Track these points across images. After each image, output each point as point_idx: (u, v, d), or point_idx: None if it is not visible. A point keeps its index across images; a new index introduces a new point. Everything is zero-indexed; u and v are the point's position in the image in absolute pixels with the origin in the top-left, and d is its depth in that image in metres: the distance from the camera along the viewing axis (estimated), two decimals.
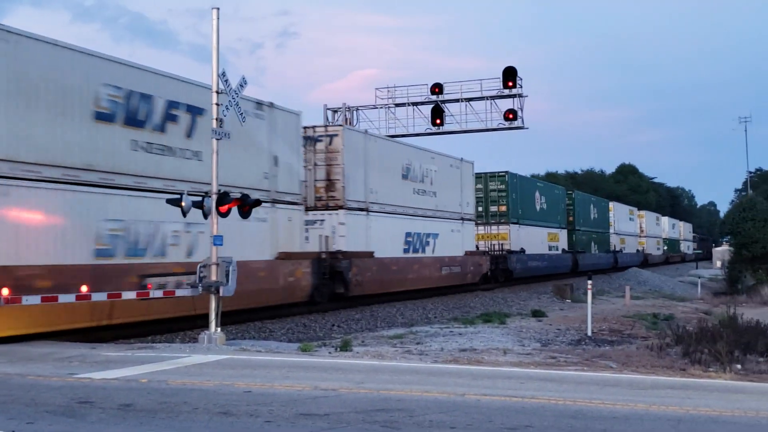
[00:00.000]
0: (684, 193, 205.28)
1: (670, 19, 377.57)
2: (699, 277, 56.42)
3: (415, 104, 44.54)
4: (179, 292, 18.92)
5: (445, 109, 43.81)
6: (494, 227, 51.03)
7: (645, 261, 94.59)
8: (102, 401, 10.72)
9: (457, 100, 43.73)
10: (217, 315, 18.09)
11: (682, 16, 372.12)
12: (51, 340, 17.85)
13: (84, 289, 17.26)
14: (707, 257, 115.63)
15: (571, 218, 66.17)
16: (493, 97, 43.08)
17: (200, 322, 19.95)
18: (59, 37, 19.01)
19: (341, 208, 31.39)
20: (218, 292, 18.15)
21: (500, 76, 42.42)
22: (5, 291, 15.95)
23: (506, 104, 42.92)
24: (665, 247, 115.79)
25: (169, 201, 18.71)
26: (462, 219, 43.71)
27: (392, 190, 35.67)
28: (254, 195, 23.15)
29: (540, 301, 37.80)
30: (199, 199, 18.50)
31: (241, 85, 18.97)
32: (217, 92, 18.46)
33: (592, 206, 73.76)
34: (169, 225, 21.33)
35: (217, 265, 18.21)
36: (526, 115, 43.57)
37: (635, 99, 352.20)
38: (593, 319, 23.41)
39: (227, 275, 18.20)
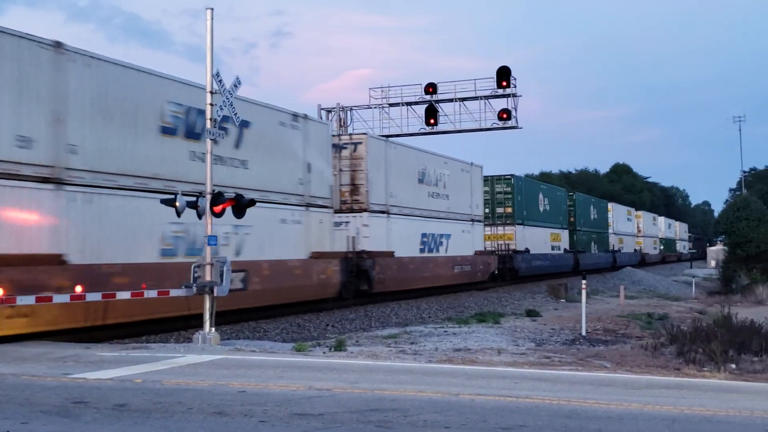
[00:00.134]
0: (678, 193, 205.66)
1: (664, 19, 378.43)
2: (693, 277, 56.53)
3: (409, 104, 44.54)
4: (174, 293, 18.88)
5: (439, 109, 43.84)
6: (500, 228, 53.11)
7: (642, 260, 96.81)
8: (96, 401, 10.70)
9: (451, 100, 43.75)
10: (211, 315, 18.07)
11: (676, 16, 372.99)
12: (45, 340, 17.82)
13: (79, 289, 17.27)
14: (702, 257, 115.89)
15: (572, 219, 68.14)
16: (487, 97, 43.10)
17: (195, 322, 19.96)
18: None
19: (365, 210, 33.72)
20: (212, 292, 18.14)
21: (494, 75, 42.45)
22: None
23: (500, 104, 43.00)
24: (662, 247, 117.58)
25: (163, 201, 18.77)
26: (472, 220, 45.95)
27: (409, 193, 37.98)
28: (291, 200, 28.08)
29: (534, 300, 37.83)
30: (194, 199, 18.51)
31: (236, 86, 18.94)
32: (212, 92, 18.42)
33: (591, 207, 75.71)
34: (221, 227, 22.51)
35: (212, 265, 18.20)
36: (520, 115, 44.02)
37: (629, 98, 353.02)
38: (588, 319, 23.43)
39: (221, 275, 18.19)
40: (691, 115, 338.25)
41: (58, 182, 18.97)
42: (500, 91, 42.48)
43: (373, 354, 17.03)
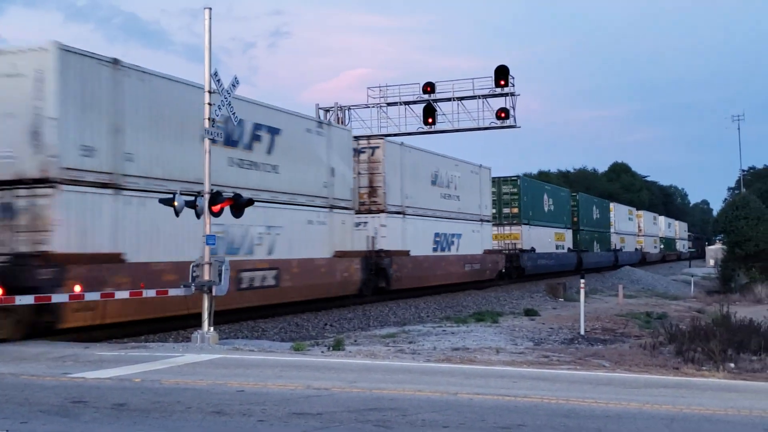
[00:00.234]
0: (677, 192, 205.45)
1: (663, 18, 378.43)
2: (692, 276, 56.54)
3: (407, 103, 44.50)
4: (172, 292, 18.95)
5: (437, 108, 43.78)
6: (507, 228, 54.74)
7: (643, 259, 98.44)
8: (95, 401, 10.71)
9: (449, 99, 43.70)
10: (210, 314, 18.08)
11: (675, 15, 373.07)
12: (44, 340, 17.83)
13: (77, 288, 17.35)
14: (700, 256, 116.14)
15: (575, 219, 69.60)
16: (485, 96, 43.08)
17: (193, 321, 20.02)
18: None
19: (382, 211, 35.47)
20: (211, 291, 18.15)
21: (492, 75, 42.42)
22: None
23: (498, 103, 42.97)
24: (662, 246, 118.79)
25: (161, 201, 18.85)
26: (481, 220, 47.66)
27: (423, 195, 39.67)
28: (316, 202, 29.91)
29: (533, 299, 37.83)
30: (192, 198, 18.52)
31: (233, 85, 18.94)
32: (210, 92, 18.43)
33: (594, 207, 77.45)
34: (255, 228, 25.62)
35: (210, 264, 18.21)
36: (518, 114, 44.18)
37: (628, 97, 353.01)
38: (586, 318, 23.42)
39: (220, 275, 18.20)
40: (690, 113, 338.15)
41: (117, 187, 20.69)
42: (498, 91, 42.45)
43: (371, 353, 17.03)
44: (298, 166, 28.73)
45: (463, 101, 43.43)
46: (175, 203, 18.15)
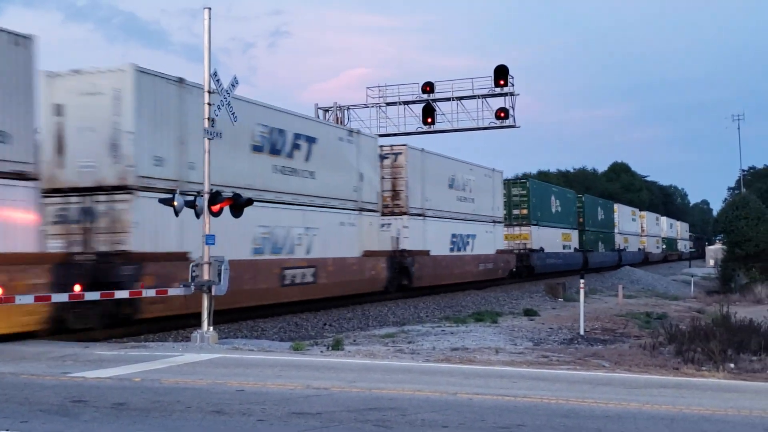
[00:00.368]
0: (677, 192, 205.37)
1: (662, 17, 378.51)
2: (692, 276, 56.50)
3: (406, 103, 44.51)
4: (172, 292, 19.00)
5: (437, 108, 43.78)
6: (516, 228, 56.68)
7: (646, 259, 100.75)
8: (95, 400, 10.71)
9: (448, 99, 43.70)
10: (209, 314, 18.08)
11: (674, 14, 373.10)
12: (44, 339, 17.82)
13: (77, 289, 17.33)
14: (700, 256, 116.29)
15: (581, 219, 71.83)
16: (484, 96, 43.08)
17: (193, 321, 20.07)
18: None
19: (405, 214, 37.70)
20: (210, 291, 18.15)
21: (492, 74, 42.45)
22: None
23: (498, 103, 43.01)
24: (664, 246, 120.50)
25: (161, 201, 18.94)
26: (494, 221, 49.78)
27: (441, 197, 41.87)
28: (347, 205, 32.19)
29: (532, 300, 37.80)
30: (192, 198, 18.53)
31: (233, 85, 18.94)
32: (209, 92, 18.44)
33: (599, 208, 79.73)
34: (296, 229, 28.20)
35: (209, 264, 18.20)
36: (518, 114, 44.14)
37: (628, 97, 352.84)
38: (586, 318, 23.42)
39: (219, 274, 18.20)
40: (690, 113, 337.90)
41: (182, 193, 21.42)
42: (498, 90, 42.47)
43: (370, 353, 17.03)
44: (332, 172, 31.10)
45: (462, 101, 43.44)
46: (175, 203, 18.17)
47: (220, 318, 23.95)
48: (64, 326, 19.24)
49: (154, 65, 22.27)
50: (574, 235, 68.84)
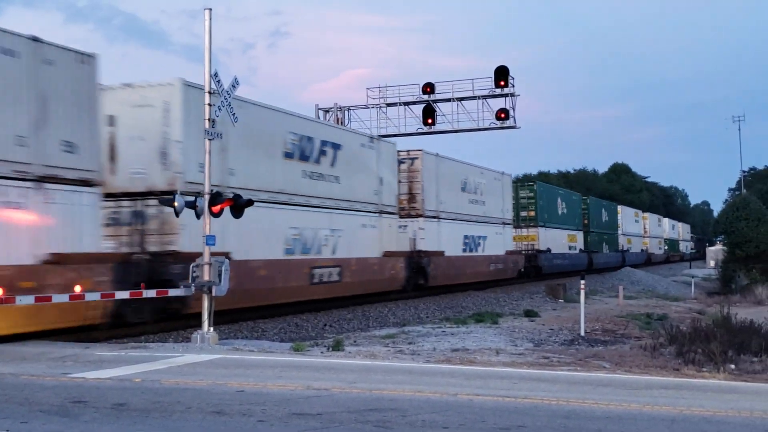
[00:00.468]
0: (677, 193, 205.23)
1: (662, 17, 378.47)
2: (692, 277, 56.47)
3: (406, 104, 44.47)
4: (172, 293, 19.03)
5: (437, 109, 43.76)
6: (524, 230, 57.90)
7: (648, 260, 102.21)
8: (95, 401, 10.71)
9: (448, 100, 43.66)
10: (209, 314, 18.07)
11: (675, 14, 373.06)
12: (44, 340, 17.82)
13: (78, 289, 17.41)
14: (701, 257, 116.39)
15: (586, 221, 73.21)
16: (485, 97, 43.04)
17: (193, 321, 20.08)
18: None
19: (421, 216, 39.14)
20: (211, 291, 18.14)
21: (492, 75, 42.39)
22: None
23: (498, 103, 42.96)
24: (666, 247, 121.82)
25: (161, 201, 18.99)
26: (503, 223, 51.06)
27: (454, 200, 43.19)
28: (368, 208, 33.79)
29: (532, 301, 37.79)
30: (192, 199, 18.54)
31: (233, 86, 18.92)
32: (210, 93, 18.43)
33: (603, 210, 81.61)
34: (323, 231, 29.90)
35: (210, 264, 18.19)
36: (518, 115, 44.21)
37: (628, 97, 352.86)
38: (586, 319, 23.41)
39: (220, 275, 18.20)
40: (690, 114, 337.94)
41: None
42: (498, 91, 42.42)
43: (371, 354, 17.03)
44: (355, 176, 32.72)
45: (462, 102, 43.41)
46: (176, 203, 18.19)
47: (254, 314, 26.53)
48: (123, 320, 20.76)
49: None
50: (580, 236, 70.14)
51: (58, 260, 18.32)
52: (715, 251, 75.88)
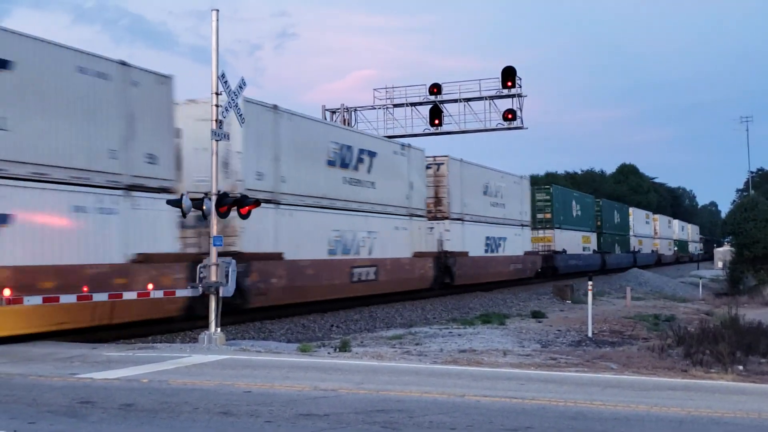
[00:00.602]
0: (685, 193, 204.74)
1: (670, 18, 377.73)
2: (700, 278, 56.34)
3: (413, 105, 44.42)
4: (180, 293, 19.09)
5: (444, 110, 43.71)
6: (540, 231, 59.64)
7: (658, 260, 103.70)
8: (103, 401, 10.72)
9: (455, 101, 43.60)
10: (217, 315, 18.08)
11: (683, 14, 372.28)
12: (52, 341, 17.86)
13: (85, 289, 17.51)
14: (710, 258, 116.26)
15: (599, 223, 75.32)
16: (492, 97, 42.94)
17: (200, 322, 20.10)
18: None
19: (446, 218, 41.02)
20: (218, 292, 18.14)
21: (499, 76, 42.25)
22: (6, 292, 16.14)
23: (505, 104, 42.82)
24: (676, 248, 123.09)
25: (169, 202, 19.04)
26: (522, 225, 52.91)
27: (477, 203, 45.16)
28: (400, 211, 36.11)
29: (540, 302, 37.70)
30: (199, 200, 18.57)
31: (241, 87, 18.95)
32: (217, 94, 18.46)
33: (615, 212, 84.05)
34: (361, 233, 32.32)
35: (217, 265, 18.20)
36: (526, 115, 44.16)
37: (635, 98, 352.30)
38: (594, 320, 23.37)
39: (227, 276, 18.21)
40: (698, 114, 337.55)
41: (276, 202, 26.96)
42: (505, 92, 42.30)
43: (377, 355, 17.02)
44: (388, 182, 34.98)
45: (469, 102, 43.33)
46: (183, 204, 18.24)
47: (297, 309, 28.57)
48: (194, 313, 22.12)
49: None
50: (593, 237, 72.14)
51: (144, 259, 20.69)
52: (723, 252, 75.75)
